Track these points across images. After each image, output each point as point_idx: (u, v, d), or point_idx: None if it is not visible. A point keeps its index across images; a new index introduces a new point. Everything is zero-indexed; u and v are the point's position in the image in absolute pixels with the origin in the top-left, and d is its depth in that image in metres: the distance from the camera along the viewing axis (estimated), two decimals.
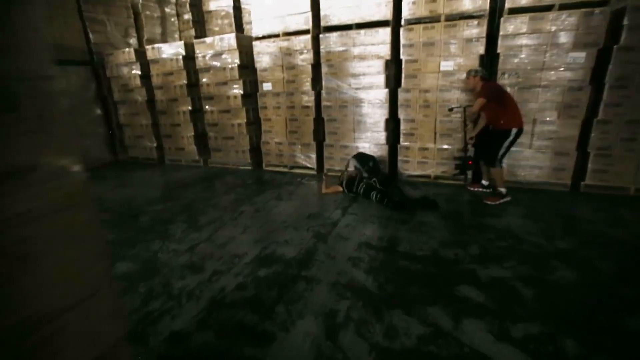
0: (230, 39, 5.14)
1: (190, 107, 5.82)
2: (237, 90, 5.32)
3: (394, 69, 4.51)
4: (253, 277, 2.59)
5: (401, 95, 4.38)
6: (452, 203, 3.79)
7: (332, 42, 4.53)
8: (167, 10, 7.74)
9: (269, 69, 5.02)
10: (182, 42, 5.59)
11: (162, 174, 5.79)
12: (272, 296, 2.35)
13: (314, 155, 5.17)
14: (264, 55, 5.00)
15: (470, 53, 3.93)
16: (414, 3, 4.04)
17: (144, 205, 4.26)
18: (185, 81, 5.70)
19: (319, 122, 4.99)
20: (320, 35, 4.57)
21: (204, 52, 5.41)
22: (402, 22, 4.16)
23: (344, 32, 4.43)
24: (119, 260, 2.91)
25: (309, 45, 4.66)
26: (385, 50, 4.31)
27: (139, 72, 6.04)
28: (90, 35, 6.30)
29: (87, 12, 6.25)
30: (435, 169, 4.47)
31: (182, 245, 3.15)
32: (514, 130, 3.51)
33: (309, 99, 4.91)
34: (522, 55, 3.78)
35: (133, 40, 7.03)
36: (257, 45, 5.01)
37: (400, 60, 4.28)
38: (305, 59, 4.75)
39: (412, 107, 4.37)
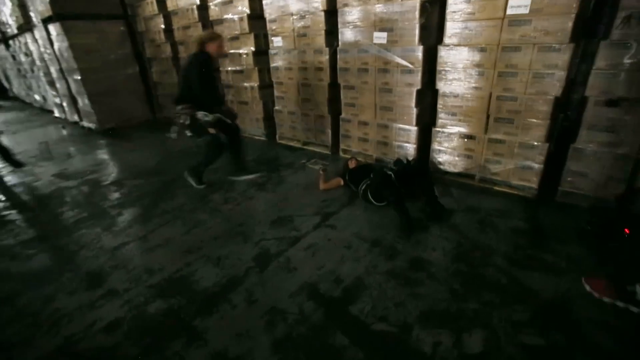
0: None
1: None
2: (248, 47, 4.43)
3: (436, 17, 3.06)
4: (138, 311, 1.91)
5: (442, 55, 2.96)
6: (494, 228, 2.47)
7: None
8: None
9: (278, 18, 3.96)
10: None
11: (178, 139, 5.42)
12: (131, 356, 1.65)
13: (329, 131, 4.13)
14: (272, 1, 3.93)
15: None
16: None
17: (127, 177, 3.90)
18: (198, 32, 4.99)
19: (335, 89, 3.86)
20: None
21: (216, 0, 4.56)
22: None
23: None
24: (38, 250, 2.54)
25: None
26: None
27: (163, 26, 5.55)
28: None
29: None
30: (482, 168, 3.06)
31: (113, 241, 2.63)
32: None
33: (322, 59, 3.78)
34: None
35: None
36: None
37: (445, 2, 2.83)
38: (317, 3, 3.55)
39: (456, 74, 2.95)
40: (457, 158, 3.20)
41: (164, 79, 6.20)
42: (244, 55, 4.52)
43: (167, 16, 5.51)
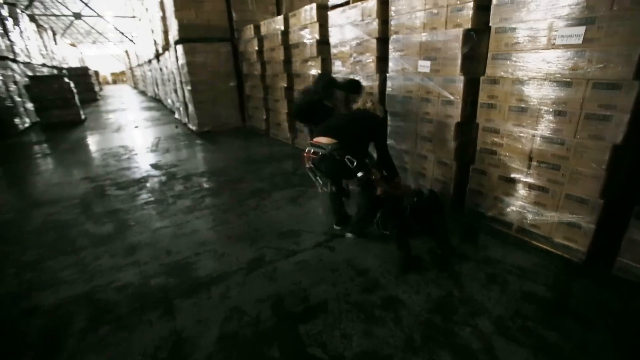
0: (312, 9, 4.57)
1: (285, 84, 5.72)
2: (315, 69, 4.79)
3: (483, 47, 2.86)
4: (144, 282, 2.35)
5: (484, 88, 2.76)
6: (503, 287, 2.19)
7: (400, 5, 3.27)
8: None
9: (338, 44, 4.19)
10: (282, 17, 5.40)
11: (253, 147, 6.09)
12: (120, 313, 2.05)
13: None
14: (336, 28, 4.18)
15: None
16: None
17: (197, 173, 4.61)
18: (282, 57, 5.59)
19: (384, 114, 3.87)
20: None
21: (294, 26, 5.07)
22: None
23: None
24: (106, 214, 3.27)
25: (374, 13, 3.54)
26: (466, 13, 2.74)
27: (257, 48, 6.36)
28: (233, 14, 7.06)
29: None
30: (520, 217, 2.70)
31: (158, 223, 3.21)
32: None
33: (373, 84, 3.85)
34: None
35: (273, 17, 7.42)
36: (331, 17, 4.23)
37: (488, 30, 2.64)
38: (370, 31, 3.67)
39: (497, 109, 2.70)
40: (493, 201, 2.88)
41: (254, 93, 7.05)
42: (312, 76, 4.89)
43: (260, 39, 6.31)
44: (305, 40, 4.87)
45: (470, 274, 2.30)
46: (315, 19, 4.54)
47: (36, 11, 18.37)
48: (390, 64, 3.55)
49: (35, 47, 11.63)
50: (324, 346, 1.76)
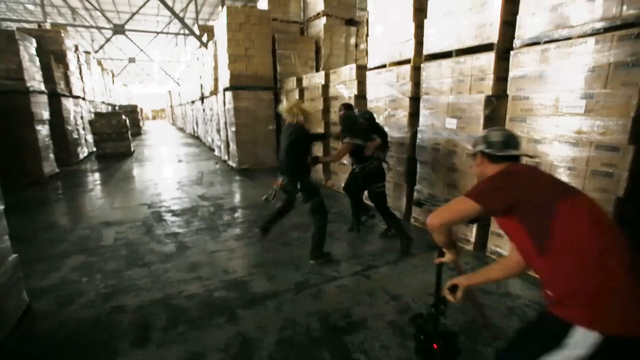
0: (352, 69, 5.29)
1: (322, 131, 6.37)
2: None
3: (503, 109, 3.36)
4: (208, 294, 2.77)
5: None
6: (522, 317, 2.49)
7: (430, 72, 3.87)
8: (349, 41, 8.67)
9: (376, 100, 4.82)
10: (323, 72, 6.19)
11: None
12: (193, 316, 2.47)
13: (404, 199, 4.57)
14: (372, 86, 4.84)
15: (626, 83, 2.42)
16: (533, 15, 2.87)
17: (241, 206, 5.15)
18: (321, 107, 6.30)
19: (412, 162, 4.36)
20: (422, 65, 3.99)
21: (335, 81, 5.81)
22: (515, 44, 3.04)
23: (442, 61, 3.69)
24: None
25: (408, 76, 4.16)
26: (487, 83, 3.28)
27: (297, 97, 7.15)
28: (278, 67, 8.01)
29: (279, 49, 7.97)
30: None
31: (214, 247, 3.69)
32: (587, 335, 1.00)
33: (405, 136, 4.38)
34: None
35: (312, 70, 8.35)
36: (369, 77, 4.91)
37: (506, 97, 3.15)
38: (404, 91, 4.27)
39: None
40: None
41: None
42: None
43: (301, 90, 7.11)
44: (343, 94, 5.56)
45: (489, 304, 2.60)
46: (354, 77, 5.24)
47: (99, 56, 20.75)
48: (421, 119, 4.10)
49: (98, 87, 13.18)
50: (367, 353, 2.11)
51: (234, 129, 7.74)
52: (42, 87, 7.21)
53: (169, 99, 30.44)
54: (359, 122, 3.53)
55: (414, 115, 4.29)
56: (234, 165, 8.13)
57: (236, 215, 4.76)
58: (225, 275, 3.10)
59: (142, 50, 19.95)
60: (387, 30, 4.57)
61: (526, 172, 1.34)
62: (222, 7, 15.95)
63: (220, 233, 4.11)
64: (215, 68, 9.11)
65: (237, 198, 5.70)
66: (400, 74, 4.31)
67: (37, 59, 7.10)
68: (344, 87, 5.56)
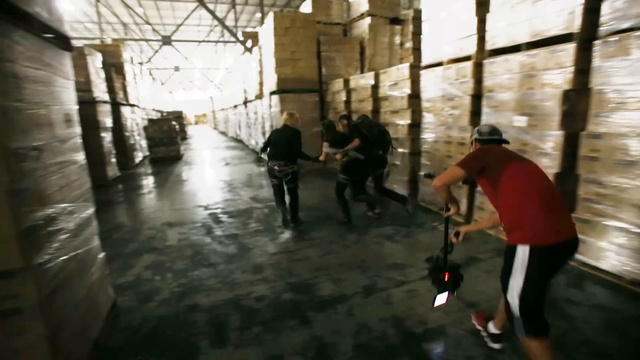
0: (404, 68, 5.17)
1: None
2: (405, 119, 5.29)
3: (580, 104, 3.10)
4: (277, 295, 2.80)
5: (585, 142, 2.96)
6: (622, 334, 2.27)
7: (495, 67, 3.67)
8: (393, 40, 8.52)
9: (431, 99, 4.66)
10: (373, 73, 6.11)
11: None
12: (266, 318, 2.50)
13: (464, 200, 4.37)
14: (428, 85, 4.69)
15: None
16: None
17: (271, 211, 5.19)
18: (371, 108, 6.22)
19: None
20: (484, 61, 3.80)
21: (385, 81, 5.71)
22: (600, 32, 2.80)
23: (509, 56, 3.48)
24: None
25: (469, 73, 3.97)
26: (565, 76, 3.04)
27: (344, 99, 7.13)
28: (323, 69, 8.03)
29: (324, 52, 8.00)
30: (629, 268, 2.74)
31: (273, 248, 3.74)
32: (523, 249, 1.62)
33: (465, 136, 4.20)
34: None
35: (358, 71, 8.29)
36: (423, 75, 4.76)
37: (588, 91, 2.90)
38: (465, 89, 4.09)
39: (601, 161, 2.87)
40: (597, 249, 2.95)
41: None
42: (400, 126, 5.39)
43: (349, 91, 7.07)
44: (395, 94, 5.45)
45: (582, 318, 2.39)
46: (407, 76, 5.12)
47: (148, 66, 22.09)
48: (484, 118, 3.90)
49: (149, 95, 13.99)
50: None
51: None
52: (106, 97, 7.75)
53: (210, 104, 31.72)
54: (334, 131, 4.61)
55: (475, 114, 4.10)
56: None
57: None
58: (290, 277, 3.11)
59: (186, 58, 20.93)
60: (443, 26, 4.41)
61: (493, 149, 1.94)
62: (261, 14, 16.40)
63: (277, 235, 4.16)
64: (261, 72, 9.32)
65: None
66: (460, 71, 4.14)
67: (102, 71, 7.64)
68: (395, 87, 5.45)
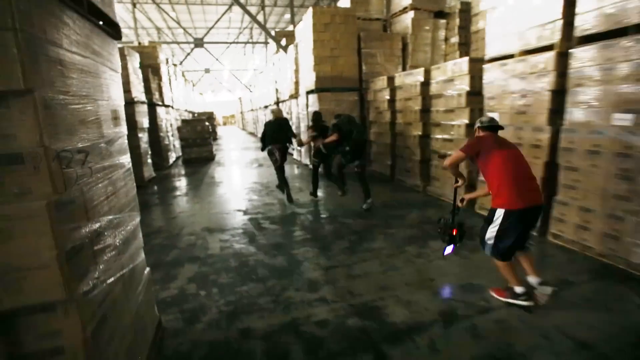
0: (463, 63, 4.67)
1: (420, 132, 5.82)
2: (462, 119, 4.79)
3: None
4: (340, 320, 2.43)
5: None
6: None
7: (588, 57, 3.13)
8: (436, 35, 8.00)
9: (497, 96, 4.14)
10: (422, 69, 5.63)
11: (383, 192, 6.15)
12: (333, 351, 2.12)
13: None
14: (493, 80, 4.17)
15: None
16: None
17: (340, 215, 4.81)
18: (419, 107, 5.75)
19: (551, 168, 3.63)
20: (571, 51, 3.27)
21: (437, 78, 5.22)
22: None
23: (612, 41, 2.94)
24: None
25: (550, 65, 3.44)
26: None
27: (388, 97, 6.68)
28: (363, 67, 7.62)
29: (365, 48, 7.59)
30: None
31: (326, 262, 3.37)
32: (500, 211, 2.37)
33: (541, 137, 3.66)
34: None
35: (400, 68, 7.83)
36: (487, 69, 4.25)
37: None
38: (543, 83, 3.56)
39: None
40: None
41: (379, 139, 7.31)
42: (456, 127, 4.89)
43: (392, 90, 6.62)
44: (450, 92, 4.96)
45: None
46: (465, 72, 4.62)
47: (181, 68, 22.51)
48: (568, 116, 3.37)
49: (182, 96, 14.08)
50: None
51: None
52: (143, 98, 7.70)
53: (239, 105, 31.97)
54: (320, 123, 5.65)
55: (555, 112, 3.56)
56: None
57: (338, 225, 4.42)
58: (351, 297, 2.73)
59: (217, 59, 21.11)
60: (514, 13, 3.90)
61: (486, 137, 2.50)
62: (291, 14, 16.22)
63: (328, 245, 3.78)
64: (296, 71, 9.03)
65: (331, 205, 5.38)
66: (538, 63, 3.61)
67: (140, 72, 7.59)
68: (450, 84, 4.95)
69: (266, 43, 21.04)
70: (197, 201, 6.09)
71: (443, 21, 8.32)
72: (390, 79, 6.66)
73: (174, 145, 11.07)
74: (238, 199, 6.06)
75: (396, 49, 8.01)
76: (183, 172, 9.45)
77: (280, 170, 5.58)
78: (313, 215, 4.85)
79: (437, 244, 3.63)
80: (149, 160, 7.83)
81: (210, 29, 18.26)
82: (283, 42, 10.40)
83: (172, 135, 10.94)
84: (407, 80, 6.07)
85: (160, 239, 4.22)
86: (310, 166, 6.02)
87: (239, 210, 5.29)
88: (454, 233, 2.79)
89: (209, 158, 11.11)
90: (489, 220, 2.41)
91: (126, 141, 2.14)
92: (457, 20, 7.97)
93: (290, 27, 13.75)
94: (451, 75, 4.92)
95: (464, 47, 8.03)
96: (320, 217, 4.75)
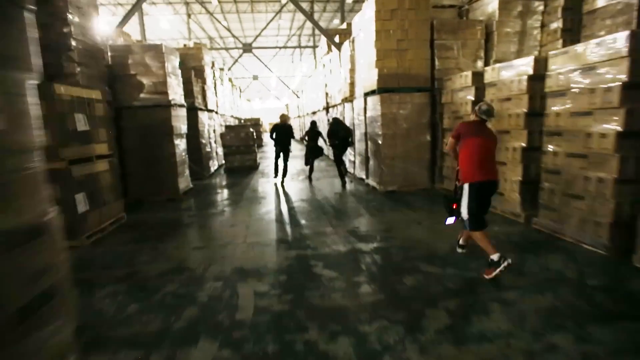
0: (618, 39, 3.11)
1: (524, 144, 4.29)
2: (610, 124, 3.23)
3: None
4: None
5: None
6: None
7: None
8: (529, 22, 6.38)
9: None
10: (531, 57, 4.12)
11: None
12: None
13: None
14: None
15: None
16: None
17: (417, 257, 3.45)
18: (524, 109, 4.23)
19: None
20: None
21: (562, 67, 3.69)
22: None
23: None
24: None
25: None
26: None
27: (472, 98, 5.21)
28: (436, 62, 6.21)
29: (439, 39, 6.17)
30: None
31: None
32: (466, 185, 2.99)
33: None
34: None
35: (480, 63, 6.30)
36: None
37: None
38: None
39: None
40: None
41: None
42: (597, 135, 3.33)
43: (478, 88, 5.15)
44: (587, 83, 3.42)
45: None
46: (623, 53, 3.06)
47: (229, 74, 22.58)
48: None
49: (228, 102, 13.53)
50: None
51: (379, 141, 6.20)
52: (182, 101, 6.95)
53: (286, 112, 31.62)
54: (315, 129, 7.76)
55: None
56: (375, 185, 6.59)
57: (419, 276, 3.08)
58: None
59: (266, 65, 20.68)
60: None
61: (469, 124, 3.12)
62: (341, 16, 15.16)
63: (415, 318, 2.45)
64: (352, 70, 7.83)
65: (407, 239, 4.00)
66: None
67: (179, 72, 6.87)
68: (589, 74, 3.41)
69: (315, 47, 20.26)
70: (233, 223, 5.06)
71: (538, 4, 6.63)
72: (477, 75, 5.17)
73: (216, 153, 10.37)
74: (282, 223, 4.93)
75: (478, 40, 6.46)
76: (224, 182, 8.61)
77: (278, 161, 7.90)
78: (382, 256, 3.54)
79: (602, 332, 2.14)
80: (187, 170, 7.03)
81: (259, 34, 17.84)
82: (336, 39, 9.28)
83: (215, 142, 10.24)
84: (504, 74, 4.57)
85: (177, 283, 3.16)
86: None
87: (283, 242, 4.14)
88: (454, 207, 3.14)
89: (253, 167, 10.25)
90: (458, 197, 3.10)
91: None
92: (562, 0, 6.25)
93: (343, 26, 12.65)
94: (591, 60, 3.38)
95: (569, 34, 6.28)
96: (392, 260, 3.44)
